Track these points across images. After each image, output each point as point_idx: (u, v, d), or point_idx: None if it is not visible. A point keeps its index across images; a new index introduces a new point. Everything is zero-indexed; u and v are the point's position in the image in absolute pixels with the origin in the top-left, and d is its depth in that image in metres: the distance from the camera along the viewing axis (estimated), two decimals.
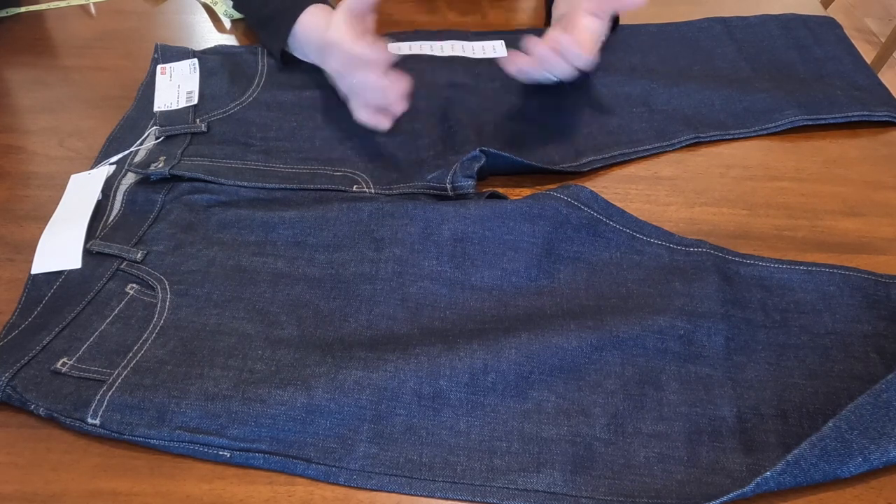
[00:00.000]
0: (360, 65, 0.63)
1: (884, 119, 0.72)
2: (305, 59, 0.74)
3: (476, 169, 0.62)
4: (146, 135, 0.69)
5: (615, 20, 0.79)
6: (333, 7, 0.71)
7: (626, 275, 0.57)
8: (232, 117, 0.71)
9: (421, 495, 0.45)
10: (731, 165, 0.68)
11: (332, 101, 0.72)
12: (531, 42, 0.63)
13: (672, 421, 0.48)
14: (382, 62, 0.62)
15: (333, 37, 0.64)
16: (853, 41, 0.82)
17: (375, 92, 0.63)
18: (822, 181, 0.67)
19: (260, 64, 0.77)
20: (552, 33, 0.63)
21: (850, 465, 0.44)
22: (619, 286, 0.56)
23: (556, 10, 0.76)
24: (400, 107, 0.64)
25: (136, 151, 0.67)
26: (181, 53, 0.77)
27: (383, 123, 0.65)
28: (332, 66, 0.68)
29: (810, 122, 0.71)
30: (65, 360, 0.50)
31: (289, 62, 0.75)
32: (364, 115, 0.66)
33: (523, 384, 0.50)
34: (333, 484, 0.46)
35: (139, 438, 0.46)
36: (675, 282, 0.56)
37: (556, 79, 0.67)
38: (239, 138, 0.68)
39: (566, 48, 0.62)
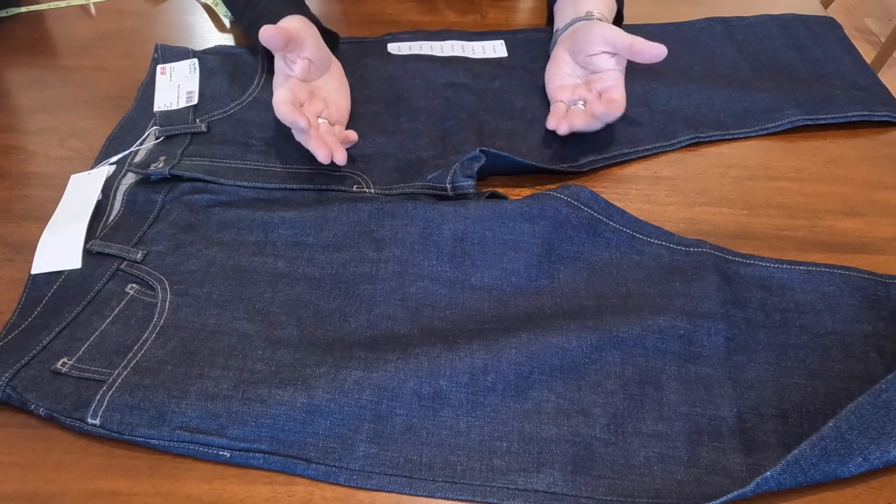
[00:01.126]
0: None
1: (884, 119, 0.72)
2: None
3: (476, 169, 0.62)
4: (146, 135, 0.69)
5: (619, 19, 0.79)
6: (315, 20, 0.71)
7: (626, 275, 0.57)
8: (232, 117, 0.71)
9: (421, 495, 0.45)
10: (731, 165, 0.68)
11: None
12: (574, 115, 0.66)
13: (672, 421, 0.48)
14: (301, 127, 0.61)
15: (275, 92, 0.64)
16: (853, 41, 0.82)
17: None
18: (821, 181, 0.67)
19: (259, 64, 0.77)
20: (592, 105, 0.65)
21: (850, 465, 0.44)
22: (619, 286, 0.56)
23: (560, 14, 0.76)
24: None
25: (136, 151, 0.67)
26: (181, 53, 0.77)
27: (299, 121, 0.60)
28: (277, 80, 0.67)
29: (810, 122, 0.71)
30: (65, 360, 0.50)
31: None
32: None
33: (523, 384, 0.50)
34: (333, 484, 0.46)
35: (139, 438, 0.46)
36: (675, 282, 0.56)
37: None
38: (239, 138, 0.68)
39: (606, 116, 0.64)
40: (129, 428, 0.47)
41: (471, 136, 0.68)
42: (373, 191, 0.64)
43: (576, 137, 0.69)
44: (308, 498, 0.45)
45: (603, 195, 0.61)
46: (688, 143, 0.70)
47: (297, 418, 0.47)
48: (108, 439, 0.47)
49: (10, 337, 0.52)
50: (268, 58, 0.74)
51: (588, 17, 0.72)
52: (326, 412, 0.48)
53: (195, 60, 0.76)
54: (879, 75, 0.84)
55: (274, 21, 0.68)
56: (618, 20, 0.78)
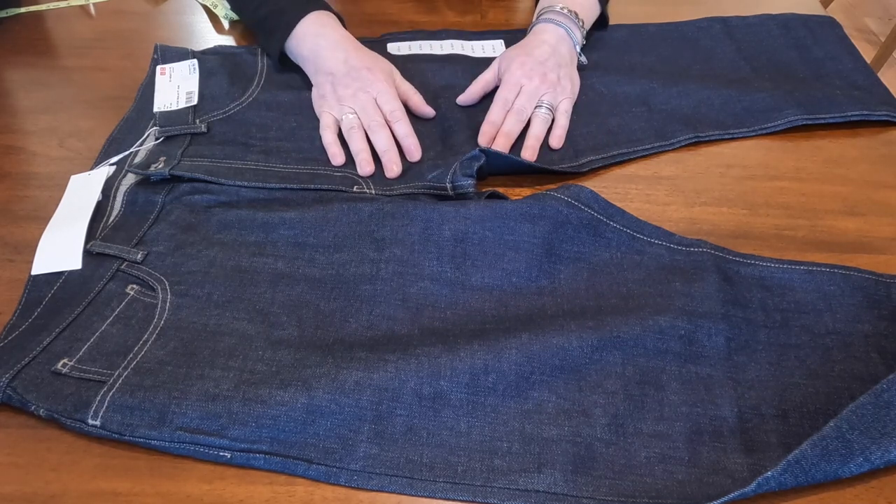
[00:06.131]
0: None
1: (883, 119, 0.72)
2: (297, 62, 0.74)
3: (476, 168, 0.62)
4: (146, 135, 0.69)
5: (604, 20, 0.79)
6: (337, 14, 0.72)
7: (627, 275, 0.57)
8: (232, 118, 0.71)
9: (422, 496, 0.45)
10: (731, 165, 0.68)
11: None
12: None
13: (673, 421, 0.48)
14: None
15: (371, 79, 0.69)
16: (853, 41, 0.82)
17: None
18: (821, 181, 0.67)
19: (259, 64, 0.76)
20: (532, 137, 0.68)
21: (851, 465, 0.44)
22: (620, 286, 0.56)
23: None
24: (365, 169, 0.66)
25: (136, 152, 0.67)
26: (181, 54, 0.77)
27: (337, 157, 0.66)
28: (328, 88, 0.70)
29: (810, 122, 0.71)
30: (65, 360, 0.50)
31: (287, 63, 0.75)
32: (329, 136, 0.68)
33: (524, 384, 0.50)
34: (334, 484, 0.46)
35: (140, 439, 0.46)
36: (676, 282, 0.56)
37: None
38: (239, 138, 0.68)
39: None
40: (129, 429, 0.47)
41: (471, 136, 0.68)
42: (373, 191, 0.64)
43: (574, 136, 0.69)
44: (308, 498, 0.45)
45: (603, 195, 0.61)
46: (687, 142, 0.70)
47: (298, 419, 0.47)
48: (109, 440, 0.47)
49: (10, 338, 0.52)
50: (271, 58, 0.75)
51: (549, 9, 0.73)
52: (327, 413, 0.48)
53: (195, 61, 0.76)
54: (879, 75, 0.84)
55: (297, 17, 0.71)
56: (602, 21, 0.79)
